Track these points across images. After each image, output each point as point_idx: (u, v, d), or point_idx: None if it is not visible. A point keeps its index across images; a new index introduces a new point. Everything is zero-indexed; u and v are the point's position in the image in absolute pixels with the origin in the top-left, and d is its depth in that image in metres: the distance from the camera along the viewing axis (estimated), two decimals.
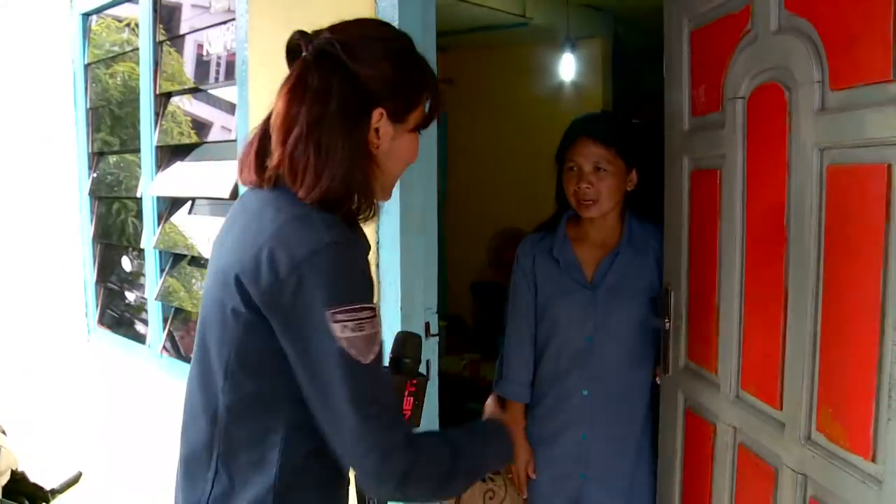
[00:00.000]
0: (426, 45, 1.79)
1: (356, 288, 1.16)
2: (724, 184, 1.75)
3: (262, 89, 2.25)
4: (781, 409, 1.54)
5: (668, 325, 2.01)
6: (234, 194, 2.41)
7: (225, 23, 2.47)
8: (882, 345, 1.24)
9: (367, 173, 1.26)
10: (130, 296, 3.25)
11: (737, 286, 1.72)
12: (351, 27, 1.29)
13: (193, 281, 2.72)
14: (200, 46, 2.53)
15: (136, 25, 2.85)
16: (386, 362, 1.37)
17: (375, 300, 1.30)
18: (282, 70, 2.13)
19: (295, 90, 1.23)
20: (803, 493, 1.47)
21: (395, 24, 1.73)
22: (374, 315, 1.16)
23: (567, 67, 4.64)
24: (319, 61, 1.23)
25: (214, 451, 1.26)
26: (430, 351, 1.81)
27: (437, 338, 1.79)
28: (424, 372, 1.43)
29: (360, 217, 1.27)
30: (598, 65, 4.86)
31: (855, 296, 1.32)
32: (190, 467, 1.31)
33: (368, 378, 1.14)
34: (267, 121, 1.29)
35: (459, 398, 3.18)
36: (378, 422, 1.14)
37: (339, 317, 1.12)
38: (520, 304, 2.21)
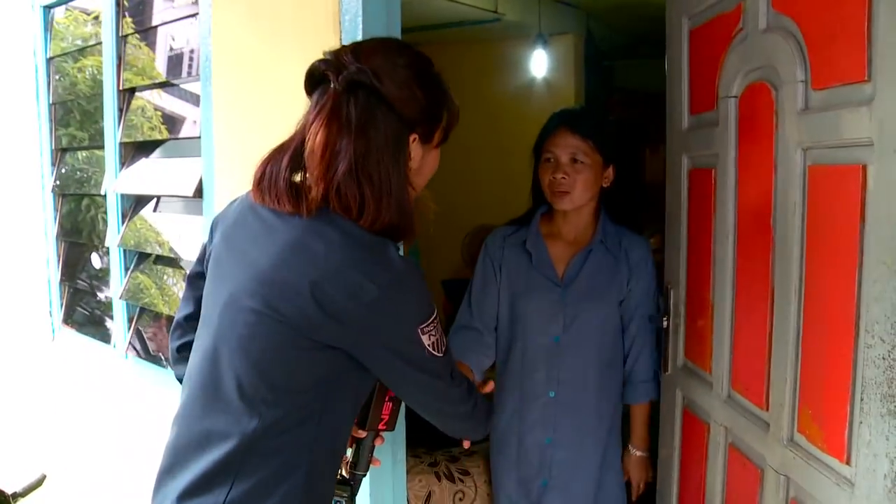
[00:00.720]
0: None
1: (425, 302, 1.27)
2: (718, 182, 1.75)
3: (225, 84, 2.23)
4: (768, 409, 1.54)
5: (666, 323, 2.01)
6: (199, 192, 2.36)
7: (194, 16, 2.41)
8: (856, 346, 1.23)
9: (409, 197, 1.31)
10: (101, 294, 3.19)
11: (729, 285, 1.71)
12: (374, 52, 1.28)
13: (165, 277, 2.68)
14: (173, 40, 2.53)
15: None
16: None
17: None
18: (246, 65, 2.15)
19: (332, 122, 1.23)
20: (785, 494, 1.47)
21: (359, 20, 1.73)
22: (437, 319, 1.29)
23: (539, 64, 4.59)
24: (354, 91, 1.24)
25: (235, 468, 1.23)
26: None
27: None
28: None
29: (402, 236, 1.34)
30: (570, 61, 4.78)
31: (833, 297, 1.32)
32: (195, 487, 1.26)
33: (448, 363, 1.33)
34: (295, 146, 1.29)
35: None
36: (464, 386, 1.36)
37: (426, 329, 1.25)
38: (479, 288, 2.15)
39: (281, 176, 1.29)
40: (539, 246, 2.10)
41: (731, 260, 1.71)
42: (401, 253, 1.31)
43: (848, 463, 1.26)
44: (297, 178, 1.30)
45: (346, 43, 1.76)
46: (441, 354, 1.29)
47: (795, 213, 1.41)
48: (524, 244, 2.11)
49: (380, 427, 1.48)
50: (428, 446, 2.55)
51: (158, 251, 2.69)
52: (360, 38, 1.74)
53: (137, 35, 2.69)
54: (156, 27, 2.61)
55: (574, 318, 2.04)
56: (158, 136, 2.61)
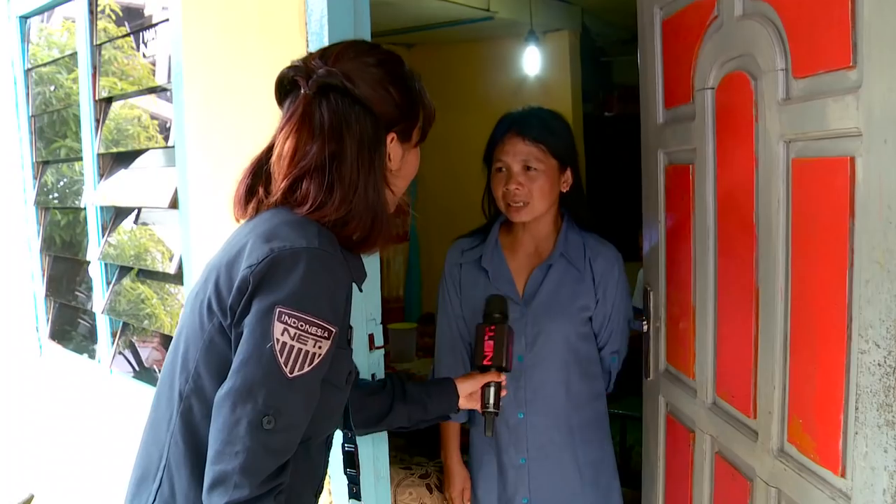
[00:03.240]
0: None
1: (318, 301, 1.12)
2: (697, 178, 1.67)
3: (197, 92, 2.16)
4: (755, 417, 1.46)
5: (646, 327, 1.93)
6: (174, 203, 2.30)
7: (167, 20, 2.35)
8: (849, 351, 1.15)
9: (385, 199, 1.26)
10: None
11: (711, 286, 1.63)
12: (343, 54, 1.24)
13: (166, 289, 2.60)
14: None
15: (103, 28, 2.73)
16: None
17: None
18: (218, 72, 2.08)
19: (302, 127, 1.19)
20: None
21: (325, 21, 1.65)
22: (328, 337, 1.12)
23: (531, 62, 4.57)
24: (325, 95, 1.20)
25: (163, 461, 1.20)
26: (375, 364, 1.71)
27: (381, 350, 1.71)
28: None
29: (377, 243, 1.26)
30: (565, 58, 4.78)
31: (822, 298, 1.24)
32: (139, 481, 1.25)
33: (280, 389, 1.09)
34: (259, 157, 1.28)
35: None
36: (260, 434, 1.08)
37: (285, 318, 1.09)
38: (448, 312, 2.03)
39: (243, 187, 1.27)
40: (496, 260, 1.98)
41: (712, 260, 1.63)
42: (335, 245, 1.19)
43: (843, 475, 1.18)
44: (259, 189, 1.25)
45: (312, 45, 1.72)
46: (288, 375, 1.09)
47: (779, 209, 1.33)
48: (480, 260, 1.98)
49: (484, 363, 1.63)
50: (427, 456, 2.49)
51: (143, 265, 2.62)
52: (326, 39, 1.68)
53: (132, 41, 2.61)
54: (143, 29, 2.52)
55: (536, 335, 1.92)
56: (155, 145, 2.53)
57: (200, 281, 1.25)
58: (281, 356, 1.08)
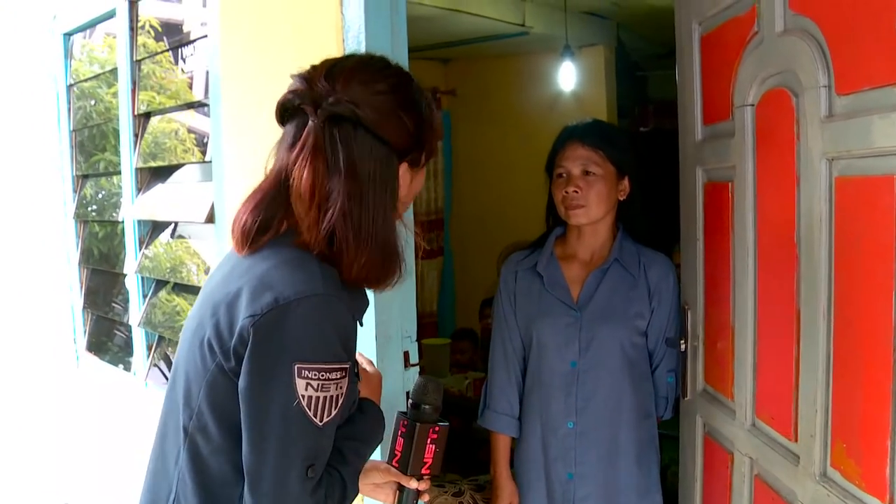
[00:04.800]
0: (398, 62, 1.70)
1: (331, 345, 1.10)
2: (736, 196, 1.64)
3: (235, 107, 2.19)
4: (796, 441, 1.42)
5: (684, 346, 1.90)
6: (210, 218, 2.33)
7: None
8: (895, 373, 1.12)
9: (396, 233, 1.21)
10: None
11: (750, 307, 1.60)
12: (351, 77, 1.16)
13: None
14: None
15: (143, 44, 2.80)
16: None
17: None
18: (253, 89, 2.10)
19: (317, 160, 1.13)
20: None
21: (362, 38, 1.65)
22: (343, 376, 1.11)
23: (566, 76, 4.56)
24: (336, 126, 1.14)
25: (172, 494, 1.18)
26: (410, 381, 1.67)
27: (416, 367, 1.70)
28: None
29: (386, 280, 1.21)
30: (600, 73, 4.77)
31: (866, 319, 1.20)
32: None
33: (315, 439, 1.10)
34: (265, 190, 1.22)
35: (466, 418, 3.08)
36: (310, 483, 1.09)
37: (306, 373, 1.07)
38: (502, 326, 2.06)
39: (253, 221, 1.19)
40: (552, 267, 2.01)
41: (751, 279, 1.59)
42: (336, 281, 1.14)
43: (891, 503, 1.15)
44: (282, 224, 1.19)
45: None
46: (319, 423, 1.08)
47: (822, 228, 1.30)
48: (535, 268, 2.01)
49: (423, 472, 1.35)
50: (460, 473, 2.47)
51: (178, 278, 2.66)
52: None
53: (170, 56, 2.65)
54: (182, 45, 2.57)
55: (590, 340, 1.93)
56: (192, 159, 2.57)
57: (197, 314, 1.21)
58: (309, 409, 1.08)
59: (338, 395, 1.10)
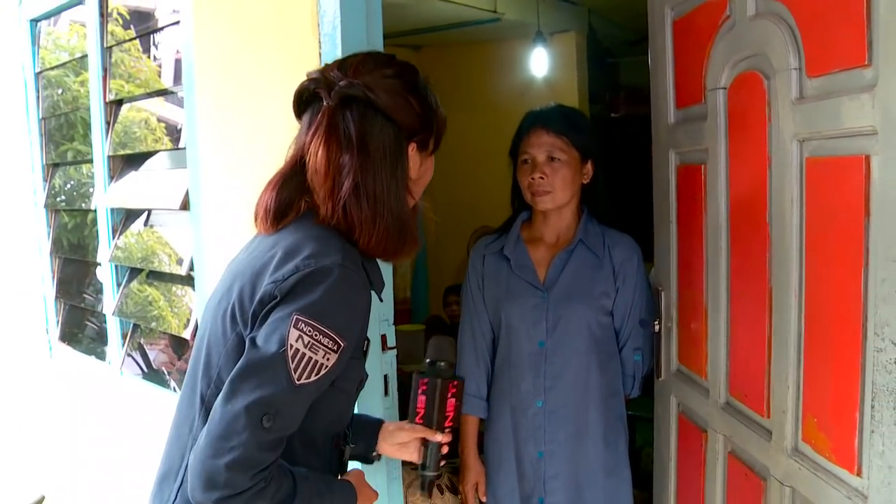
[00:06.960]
0: (373, 48, 1.71)
1: (337, 316, 1.15)
2: (709, 178, 1.67)
3: (210, 93, 2.17)
4: (769, 417, 1.45)
5: (658, 327, 1.93)
6: (185, 205, 2.30)
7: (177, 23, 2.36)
8: (864, 350, 1.15)
9: (408, 207, 1.29)
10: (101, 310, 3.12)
11: (723, 286, 1.63)
12: (361, 65, 1.27)
13: (174, 290, 2.60)
14: (178, 51, 2.45)
15: (111, 32, 2.74)
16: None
17: None
18: (230, 73, 2.08)
19: (331, 138, 1.22)
20: None
21: (337, 23, 1.65)
22: (336, 350, 1.14)
23: (538, 63, 4.58)
24: (348, 106, 1.23)
25: (184, 461, 1.21)
26: (388, 364, 1.72)
27: (394, 351, 1.71)
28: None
29: (405, 251, 1.29)
30: (572, 59, 4.79)
31: (837, 297, 1.23)
32: (163, 479, 1.29)
33: (284, 392, 1.11)
34: (285, 172, 1.29)
35: None
36: (267, 434, 1.10)
37: (302, 325, 1.11)
38: (470, 309, 2.09)
39: (273, 203, 1.27)
40: (518, 250, 2.04)
41: (724, 260, 1.62)
42: (357, 260, 1.21)
43: (859, 474, 1.18)
44: (302, 202, 1.27)
45: (325, 46, 1.73)
46: (296, 382, 1.11)
47: (793, 208, 1.33)
48: (503, 251, 2.04)
49: (446, 425, 1.45)
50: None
51: (150, 267, 2.63)
52: (339, 41, 1.70)
53: (139, 44, 2.61)
54: (152, 32, 2.53)
55: (557, 321, 1.96)
56: (162, 148, 2.55)
57: (222, 288, 1.28)
58: (292, 362, 1.11)
59: (322, 364, 1.13)
